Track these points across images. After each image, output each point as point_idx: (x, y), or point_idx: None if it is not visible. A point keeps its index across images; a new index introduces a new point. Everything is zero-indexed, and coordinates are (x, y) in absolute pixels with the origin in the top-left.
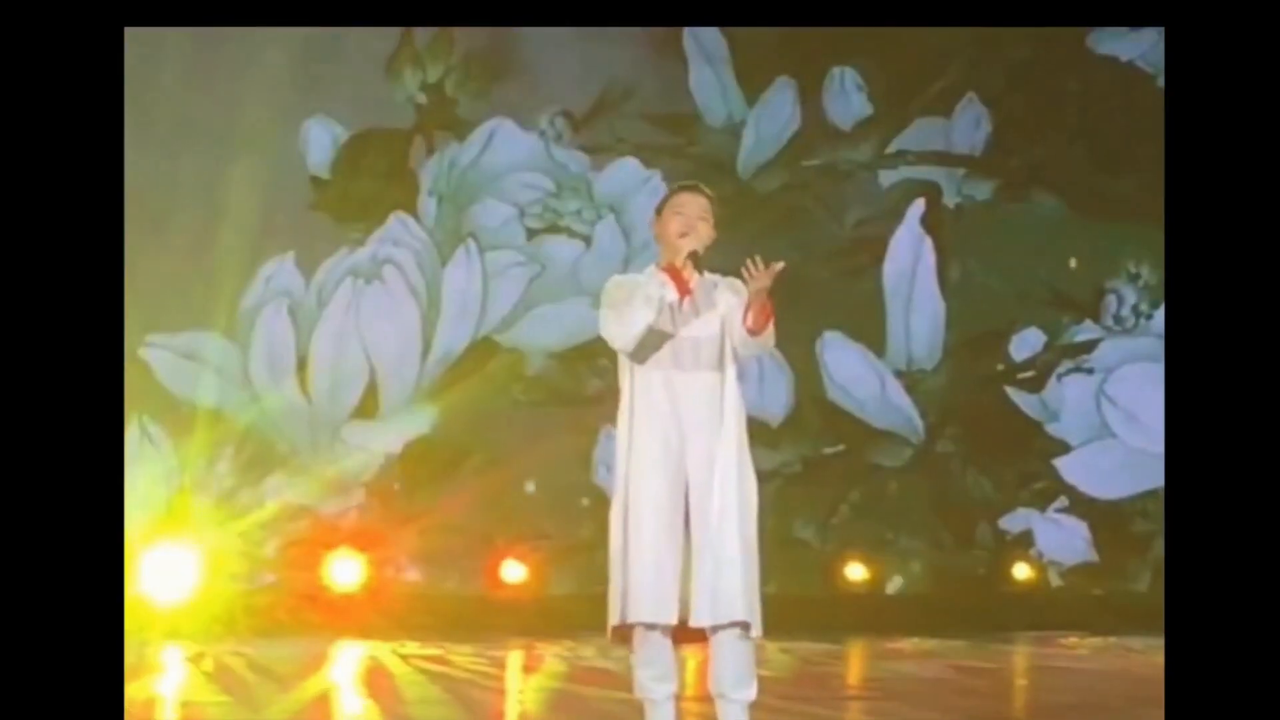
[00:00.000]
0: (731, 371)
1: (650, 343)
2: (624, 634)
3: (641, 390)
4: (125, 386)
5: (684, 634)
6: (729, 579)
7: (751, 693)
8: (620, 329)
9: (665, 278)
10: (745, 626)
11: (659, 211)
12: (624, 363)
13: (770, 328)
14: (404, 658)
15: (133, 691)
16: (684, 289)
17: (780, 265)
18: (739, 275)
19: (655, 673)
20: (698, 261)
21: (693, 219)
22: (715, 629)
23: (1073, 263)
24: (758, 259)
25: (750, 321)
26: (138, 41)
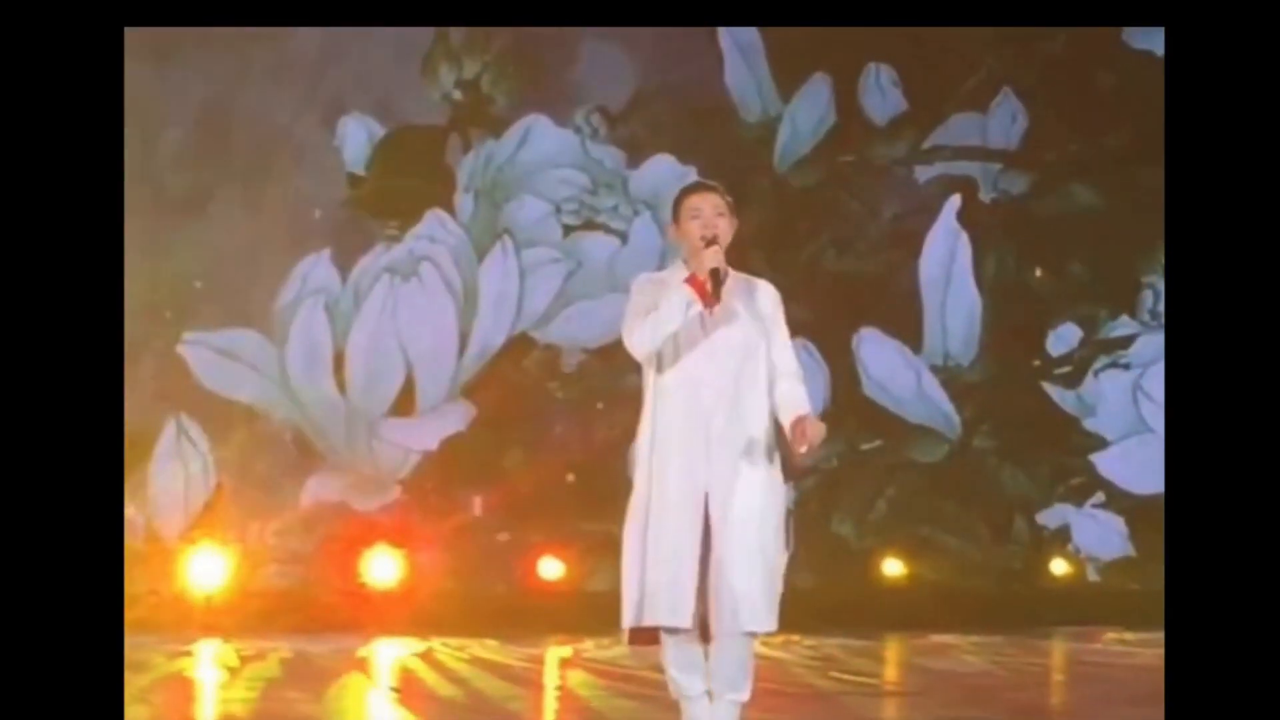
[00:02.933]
0: (760, 366)
1: (671, 354)
2: (644, 636)
3: (664, 393)
4: (163, 384)
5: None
6: (754, 588)
7: (747, 694)
8: (640, 339)
9: (691, 291)
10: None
11: (675, 219)
12: (648, 365)
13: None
14: (441, 655)
15: (168, 687)
16: (710, 300)
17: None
18: (775, 272)
19: (686, 670)
20: (719, 278)
21: (711, 218)
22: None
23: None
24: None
25: (800, 455)
26: (172, 40)
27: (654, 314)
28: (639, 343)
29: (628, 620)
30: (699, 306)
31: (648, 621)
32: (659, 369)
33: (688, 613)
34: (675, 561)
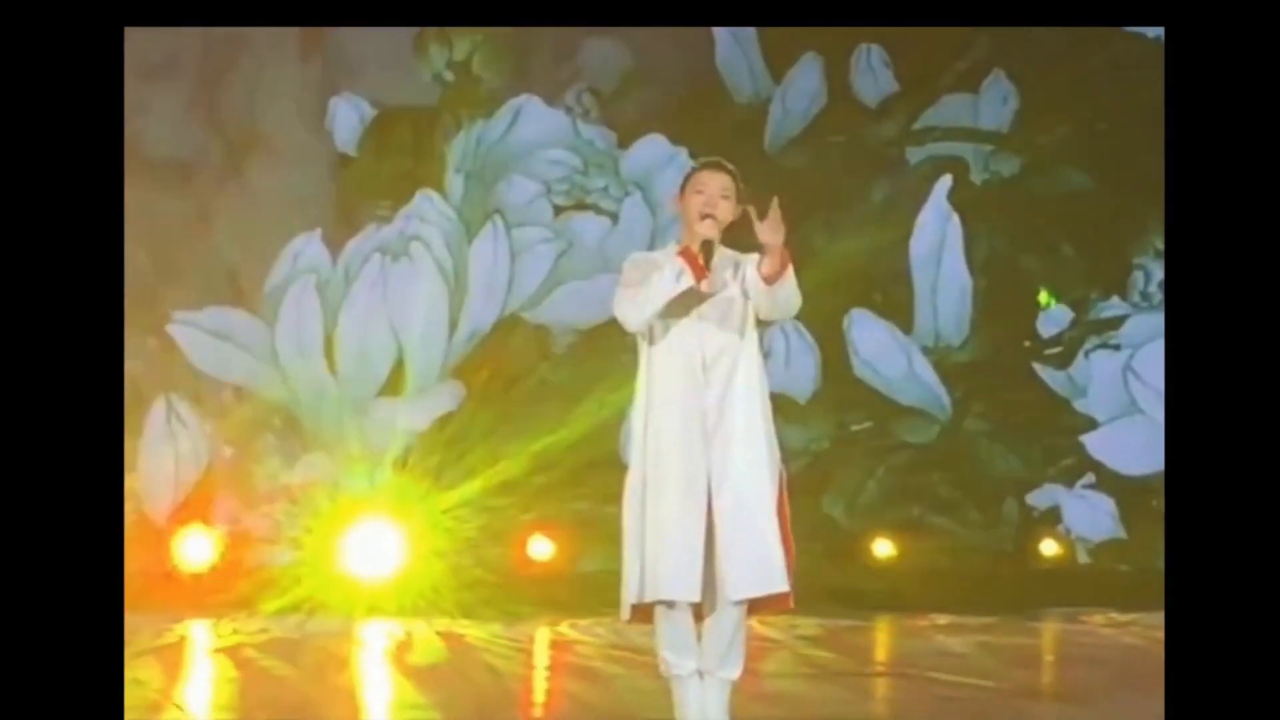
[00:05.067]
0: (752, 339)
1: (662, 326)
2: (642, 613)
3: (657, 365)
4: (153, 364)
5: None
6: (769, 550)
7: (738, 672)
8: (632, 310)
9: (682, 262)
10: (747, 601)
11: (682, 190)
12: (642, 338)
13: (789, 278)
14: (431, 635)
15: (158, 667)
16: (700, 272)
17: (775, 202)
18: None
19: (678, 650)
20: (711, 250)
21: (714, 197)
22: (730, 604)
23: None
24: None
25: (765, 268)
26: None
27: (645, 285)
28: (631, 314)
29: (633, 596)
30: (690, 278)
31: (656, 597)
32: (651, 341)
33: (697, 586)
34: (680, 536)
